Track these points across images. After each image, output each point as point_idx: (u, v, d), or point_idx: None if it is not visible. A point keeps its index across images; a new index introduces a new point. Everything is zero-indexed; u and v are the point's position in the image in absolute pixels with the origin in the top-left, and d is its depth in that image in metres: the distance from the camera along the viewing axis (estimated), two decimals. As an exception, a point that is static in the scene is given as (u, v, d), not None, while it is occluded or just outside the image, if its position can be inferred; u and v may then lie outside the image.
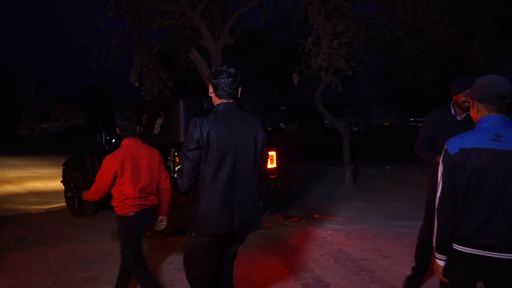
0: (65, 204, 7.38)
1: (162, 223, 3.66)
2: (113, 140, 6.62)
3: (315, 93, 9.31)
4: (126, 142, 3.43)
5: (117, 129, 3.47)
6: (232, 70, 2.61)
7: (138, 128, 3.50)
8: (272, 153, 6.56)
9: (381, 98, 36.21)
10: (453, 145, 2.01)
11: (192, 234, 2.60)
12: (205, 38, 8.92)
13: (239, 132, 2.56)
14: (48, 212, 7.49)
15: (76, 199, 7.03)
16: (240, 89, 2.68)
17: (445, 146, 2.06)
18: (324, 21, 7.58)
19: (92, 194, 3.42)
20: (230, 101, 2.63)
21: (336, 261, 4.59)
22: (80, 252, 5.07)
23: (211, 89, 2.65)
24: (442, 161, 2.05)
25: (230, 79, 2.58)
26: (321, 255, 4.82)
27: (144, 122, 6.09)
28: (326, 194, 8.65)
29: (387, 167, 11.22)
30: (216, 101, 2.65)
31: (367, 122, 34.15)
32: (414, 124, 31.83)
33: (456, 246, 2.03)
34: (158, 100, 8.15)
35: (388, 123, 36.87)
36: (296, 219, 6.66)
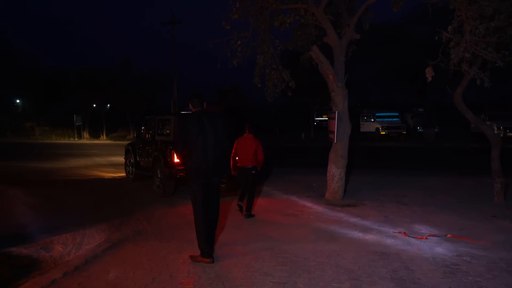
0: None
1: None
2: (144, 134, 10.63)
3: (456, 91, 7.98)
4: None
5: None
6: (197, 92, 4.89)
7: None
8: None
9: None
10: None
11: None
12: (329, 34, 8.44)
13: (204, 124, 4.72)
14: (167, 205, 7.87)
15: (130, 170, 11.30)
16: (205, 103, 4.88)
17: None
18: (467, 4, 6.36)
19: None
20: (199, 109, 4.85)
21: (470, 299, 3.65)
22: (186, 251, 5.06)
23: (190, 105, 4.86)
24: None
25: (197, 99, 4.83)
26: (451, 288, 3.90)
27: (159, 127, 9.86)
28: (466, 210, 7.30)
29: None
30: (193, 109, 4.87)
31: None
32: None
33: None
34: (165, 114, 10.72)
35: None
36: (423, 237, 5.66)
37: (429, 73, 6.78)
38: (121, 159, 12.09)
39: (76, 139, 31.92)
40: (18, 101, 39.04)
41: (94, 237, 5.97)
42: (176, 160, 8.38)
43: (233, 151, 6.92)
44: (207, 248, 4.67)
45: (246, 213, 6.90)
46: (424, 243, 5.43)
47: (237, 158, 6.98)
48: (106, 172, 13.32)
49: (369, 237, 5.74)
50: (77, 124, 31.87)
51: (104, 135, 33.35)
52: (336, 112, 8.14)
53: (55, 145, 25.97)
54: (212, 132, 4.71)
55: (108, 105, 35.51)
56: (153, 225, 6.47)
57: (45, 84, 33.16)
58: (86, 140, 32.04)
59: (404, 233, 5.88)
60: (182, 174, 8.39)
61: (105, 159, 17.15)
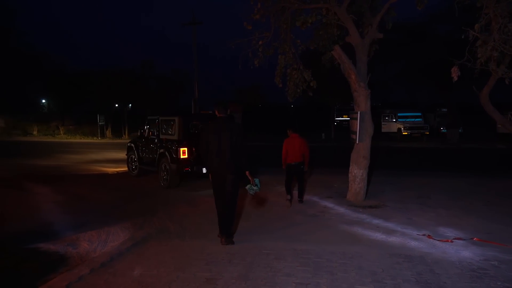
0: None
1: None
2: (147, 133, 11.44)
3: (482, 91, 7.79)
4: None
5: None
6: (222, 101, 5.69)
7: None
8: (184, 148, 9.77)
9: None
10: None
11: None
12: (351, 33, 8.37)
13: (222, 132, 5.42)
14: (188, 204, 7.94)
15: (133, 166, 11.98)
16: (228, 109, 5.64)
17: None
18: (496, 2, 6.20)
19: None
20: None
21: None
22: (208, 250, 5.12)
23: (216, 112, 5.59)
24: None
25: (222, 106, 5.55)
26: (478, 292, 3.82)
27: (164, 126, 10.60)
28: (494, 213, 7.12)
29: None
30: (218, 115, 5.58)
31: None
32: None
33: None
34: (169, 115, 10.68)
35: None
36: (449, 240, 5.55)
37: (454, 73, 6.63)
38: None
39: (99, 138, 32.55)
40: (43, 101, 40.12)
41: (119, 235, 6.09)
42: (182, 156, 9.65)
43: (283, 150, 7.91)
44: (221, 228, 5.45)
45: (299, 199, 8.10)
46: (450, 246, 5.32)
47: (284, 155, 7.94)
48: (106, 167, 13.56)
49: (393, 239, 5.67)
50: (100, 123, 32.50)
51: (126, 134, 33.92)
52: (359, 112, 8.06)
53: (78, 144, 26.53)
54: (228, 138, 5.39)
55: (130, 105, 36.10)
56: (175, 223, 6.55)
57: (69, 84, 33.98)
58: (108, 139, 32.64)
59: (429, 235, 5.78)
60: (187, 169, 9.75)
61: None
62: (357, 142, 8.13)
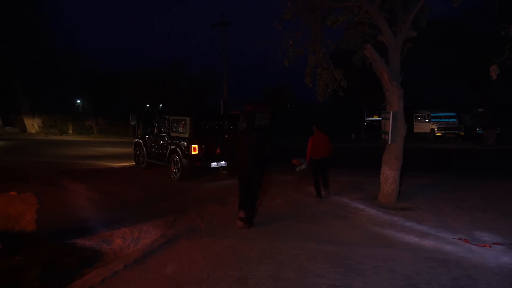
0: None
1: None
2: (156, 130, 12.29)
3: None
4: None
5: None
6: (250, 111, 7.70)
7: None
8: (195, 146, 10.71)
9: None
10: None
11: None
12: (383, 32, 8.22)
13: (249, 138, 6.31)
14: (218, 203, 8.00)
15: (141, 159, 12.96)
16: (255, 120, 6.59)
17: None
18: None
19: None
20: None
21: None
22: (239, 249, 5.15)
23: (244, 120, 6.60)
24: None
25: (249, 116, 6.54)
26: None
27: (175, 125, 11.55)
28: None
29: None
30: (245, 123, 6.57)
31: None
32: None
33: None
34: (180, 114, 11.69)
35: None
36: (487, 245, 5.35)
37: (493, 72, 6.40)
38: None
39: (131, 137, 33.33)
40: (78, 101, 41.46)
41: (151, 232, 6.20)
42: (193, 152, 10.68)
43: (309, 147, 8.39)
44: (240, 210, 6.38)
45: (325, 189, 8.57)
46: (488, 251, 5.13)
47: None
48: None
49: (427, 242, 5.52)
50: (132, 123, 33.26)
51: (156, 134, 34.55)
52: (391, 112, 7.90)
53: (112, 143, 27.26)
54: (254, 143, 6.29)
55: (161, 105, 36.78)
56: (205, 222, 6.62)
57: (103, 85, 34.97)
58: (140, 138, 33.32)
59: (465, 239, 5.60)
60: (198, 163, 10.83)
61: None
62: (389, 142, 7.97)
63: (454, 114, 27.01)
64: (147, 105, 35.88)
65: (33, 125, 35.43)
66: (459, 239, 5.65)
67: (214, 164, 10.74)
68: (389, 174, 7.99)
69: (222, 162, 10.87)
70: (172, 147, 11.24)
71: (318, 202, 8.12)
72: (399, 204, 7.85)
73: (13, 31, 29.18)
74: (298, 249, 5.14)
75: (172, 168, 11.25)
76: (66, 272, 4.48)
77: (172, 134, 11.54)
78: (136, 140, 13.32)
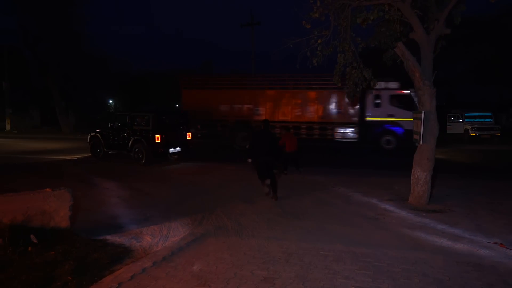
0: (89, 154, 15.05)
1: None
2: (119, 124, 14.23)
3: None
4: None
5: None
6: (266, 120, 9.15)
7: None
8: (158, 135, 13.33)
9: None
10: None
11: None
12: (415, 30, 8.02)
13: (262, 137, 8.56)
14: (245, 202, 8.02)
15: (98, 150, 14.79)
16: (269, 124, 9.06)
17: None
18: None
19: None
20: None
21: None
22: (265, 249, 5.14)
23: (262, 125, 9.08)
24: None
25: (266, 122, 8.97)
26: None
27: (136, 120, 13.79)
28: None
29: None
30: (262, 127, 8.96)
31: None
32: None
33: None
34: (142, 112, 14.29)
35: None
36: (524, 250, 5.12)
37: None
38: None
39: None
40: (110, 101, 42.60)
41: (179, 230, 6.28)
42: (156, 141, 13.23)
43: (282, 141, 11.01)
44: (263, 182, 8.55)
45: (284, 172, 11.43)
46: (525, 256, 4.92)
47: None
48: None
49: (460, 246, 5.35)
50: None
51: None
52: (423, 112, 7.70)
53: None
54: (268, 141, 8.41)
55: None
56: (233, 221, 6.65)
57: (134, 85, 35.79)
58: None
59: (501, 244, 5.38)
60: (161, 150, 13.41)
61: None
62: (420, 143, 7.76)
63: (489, 114, 26.02)
64: (176, 105, 36.45)
65: (67, 125, 36.68)
66: (495, 243, 5.44)
67: (171, 150, 13.71)
68: (420, 175, 7.78)
69: (178, 148, 13.92)
70: (137, 137, 13.54)
71: (347, 203, 8.01)
72: (431, 206, 7.64)
73: (54, 33, 30.19)
74: (325, 250, 5.09)
75: (135, 155, 13.55)
76: (97, 267, 4.60)
77: (135, 127, 13.72)
78: (92, 134, 14.95)
